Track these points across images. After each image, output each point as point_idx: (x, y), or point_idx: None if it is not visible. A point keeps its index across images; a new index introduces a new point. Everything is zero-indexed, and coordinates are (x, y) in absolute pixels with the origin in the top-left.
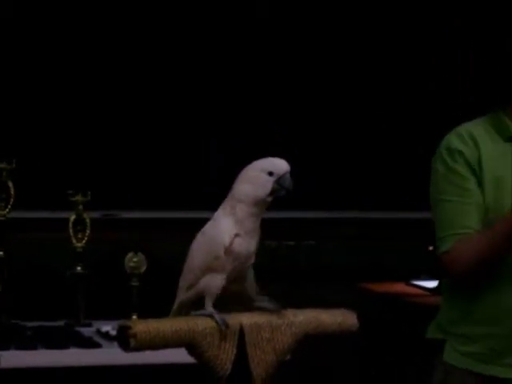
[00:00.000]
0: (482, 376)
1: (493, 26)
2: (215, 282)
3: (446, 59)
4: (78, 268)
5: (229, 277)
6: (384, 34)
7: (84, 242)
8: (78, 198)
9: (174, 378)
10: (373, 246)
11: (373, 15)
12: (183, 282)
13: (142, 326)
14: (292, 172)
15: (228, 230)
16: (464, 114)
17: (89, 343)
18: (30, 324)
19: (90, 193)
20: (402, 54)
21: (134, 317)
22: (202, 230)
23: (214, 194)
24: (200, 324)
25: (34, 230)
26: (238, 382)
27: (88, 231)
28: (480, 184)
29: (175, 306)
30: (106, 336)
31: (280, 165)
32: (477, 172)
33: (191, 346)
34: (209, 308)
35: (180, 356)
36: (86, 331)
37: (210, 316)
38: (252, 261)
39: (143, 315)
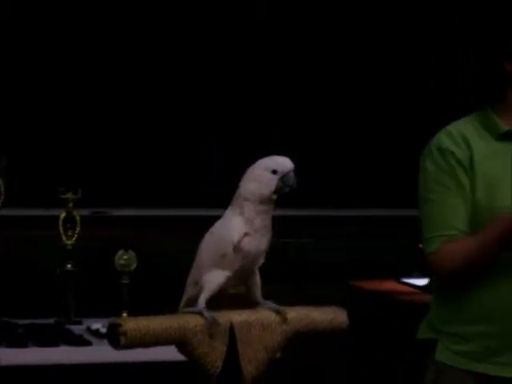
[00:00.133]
0: (474, 374)
1: (493, 26)
2: (216, 277)
3: (446, 59)
4: (68, 265)
5: (235, 276)
6: (384, 34)
7: (74, 239)
8: (69, 195)
9: (164, 376)
10: (363, 244)
11: (373, 15)
12: (190, 279)
13: (132, 324)
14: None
15: (237, 228)
16: (464, 114)
17: (79, 341)
18: (20, 322)
19: (80, 190)
20: (402, 54)
21: (125, 314)
22: (211, 229)
23: (213, 194)
24: (190, 321)
25: (24, 228)
26: (229, 379)
27: (78, 229)
28: (472, 184)
29: (182, 303)
30: (97, 334)
31: (284, 163)
32: (468, 173)
33: (182, 344)
34: (201, 304)
35: (170, 354)
36: (77, 329)
37: (199, 313)
38: (262, 260)
39: (133, 313)
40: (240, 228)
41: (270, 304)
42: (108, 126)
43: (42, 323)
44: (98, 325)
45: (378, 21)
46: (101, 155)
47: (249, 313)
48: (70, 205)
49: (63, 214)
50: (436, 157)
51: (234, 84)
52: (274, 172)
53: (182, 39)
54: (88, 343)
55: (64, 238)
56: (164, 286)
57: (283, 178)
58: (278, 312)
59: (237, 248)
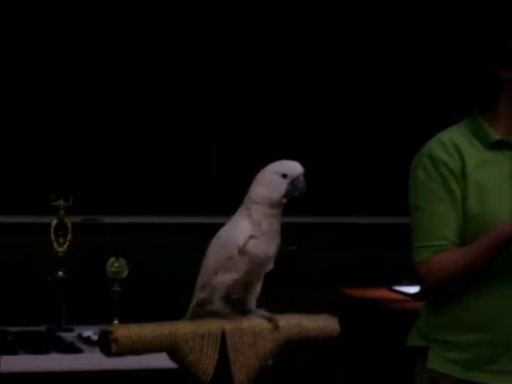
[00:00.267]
0: (467, 383)
1: (487, 33)
2: (229, 282)
3: (446, 59)
4: (60, 273)
5: (242, 278)
6: (384, 34)
7: (66, 246)
8: (60, 202)
9: (155, 383)
10: (355, 251)
11: (373, 15)
12: (199, 283)
13: (123, 331)
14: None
15: (243, 231)
16: (464, 114)
17: (70, 348)
18: (11, 329)
19: (71, 197)
20: (402, 54)
21: (116, 322)
22: (218, 233)
23: (213, 194)
24: (181, 329)
25: (16, 235)
26: None
27: (70, 236)
28: (463, 193)
29: (191, 307)
30: (88, 341)
31: (294, 167)
32: (460, 182)
33: (173, 351)
34: (219, 305)
35: (162, 361)
36: (68, 336)
37: (225, 314)
38: (271, 266)
39: (125, 320)
40: (246, 231)
41: (262, 312)
42: (100, 131)
43: (32, 330)
44: (90, 332)
45: (377, 21)
46: (93, 161)
47: (240, 320)
48: (62, 212)
49: (55, 222)
50: (427, 166)
51: (233, 84)
52: (284, 176)
53: (182, 39)
54: (79, 351)
55: (55, 245)
56: (155, 293)
57: (293, 182)
58: (269, 320)
59: (242, 251)
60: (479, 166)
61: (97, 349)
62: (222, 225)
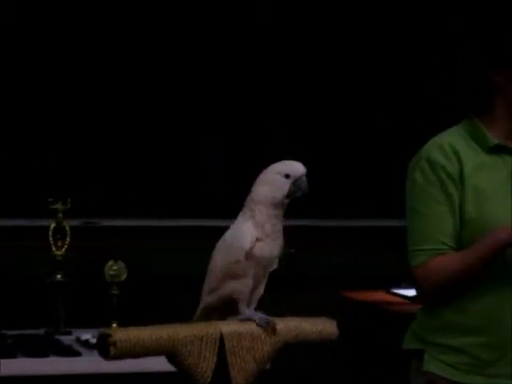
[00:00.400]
0: None
1: (482, 37)
2: (242, 287)
3: (446, 59)
4: (58, 276)
5: (251, 281)
6: (384, 34)
7: (64, 250)
8: (58, 205)
9: None
10: (354, 254)
11: (373, 15)
12: (206, 287)
13: (121, 334)
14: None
15: (249, 234)
16: (464, 114)
17: (69, 351)
18: (9, 332)
19: (69, 200)
20: (402, 54)
21: (114, 325)
22: (223, 236)
23: (213, 194)
24: (180, 332)
25: (14, 238)
26: None
27: (68, 239)
28: (461, 197)
29: (198, 311)
30: (86, 344)
31: (296, 167)
32: (458, 186)
33: (171, 355)
34: (246, 312)
35: (160, 364)
36: (66, 339)
37: (250, 319)
38: (274, 266)
39: (123, 323)
40: (252, 234)
41: (260, 315)
42: (98, 133)
43: (31, 334)
44: (88, 335)
45: (377, 21)
46: (91, 164)
47: (239, 323)
48: (60, 215)
49: (53, 225)
50: (425, 169)
51: (233, 84)
52: (287, 176)
53: (182, 39)
54: (78, 354)
55: (54, 249)
56: (154, 296)
57: (296, 183)
58: (266, 325)
59: (249, 254)
60: (477, 170)
61: (95, 352)
62: (221, 228)
